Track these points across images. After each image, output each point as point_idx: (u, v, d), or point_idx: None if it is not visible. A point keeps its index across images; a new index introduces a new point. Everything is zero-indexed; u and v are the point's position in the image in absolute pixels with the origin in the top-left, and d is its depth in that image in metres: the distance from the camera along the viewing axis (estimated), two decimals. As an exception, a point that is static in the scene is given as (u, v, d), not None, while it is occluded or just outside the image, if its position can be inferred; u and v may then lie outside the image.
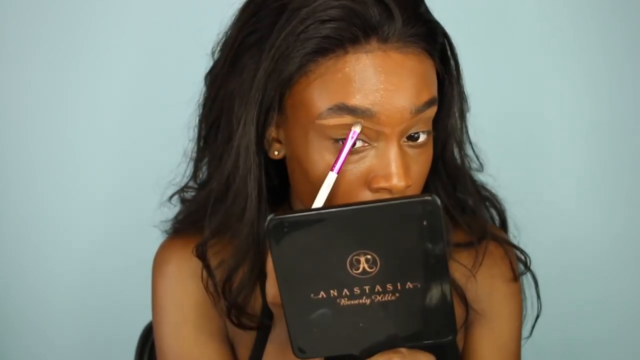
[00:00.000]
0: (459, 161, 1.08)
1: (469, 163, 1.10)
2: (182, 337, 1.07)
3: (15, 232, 1.56)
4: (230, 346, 1.11)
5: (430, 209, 0.76)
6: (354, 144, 0.90)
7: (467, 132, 1.07)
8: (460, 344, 1.13)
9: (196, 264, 1.08)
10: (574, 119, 1.58)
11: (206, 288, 1.06)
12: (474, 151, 1.11)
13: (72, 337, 1.60)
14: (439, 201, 0.75)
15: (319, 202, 0.89)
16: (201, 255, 1.05)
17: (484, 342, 1.11)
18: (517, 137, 1.55)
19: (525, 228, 1.21)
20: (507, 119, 1.53)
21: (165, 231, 1.14)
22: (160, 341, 1.09)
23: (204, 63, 1.05)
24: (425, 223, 0.76)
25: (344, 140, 0.90)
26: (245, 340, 1.10)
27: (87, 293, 1.58)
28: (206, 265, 1.06)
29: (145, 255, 1.15)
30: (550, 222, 1.58)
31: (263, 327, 1.06)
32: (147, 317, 1.25)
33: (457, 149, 1.07)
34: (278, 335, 0.94)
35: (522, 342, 1.15)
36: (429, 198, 0.75)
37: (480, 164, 1.13)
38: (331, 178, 0.89)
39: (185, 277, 1.08)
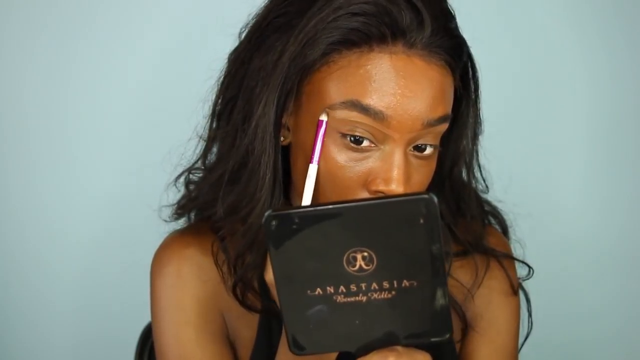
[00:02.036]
0: (465, 182, 1.09)
1: (475, 184, 1.11)
2: (183, 338, 1.07)
3: (15, 231, 1.56)
4: (231, 346, 1.11)
5: (428, 207, 0.76)
6: (358, 139, 0.91)
7: (477, 154, 1.08)
8: (456, 347, 1.13)
9: (197, 264, 1.09)
10: (575, 119, 1.58)
11: (216, 263, 1.06)
12: (481, 174, 1.11)
13: (72, 337, 1.59)
14: (436, 199, 0.75)
15: (306, 196, 0.90)
16: (216, 230, 1.06)
17: (481, 347, 1.11)
18: (516, 138, 1.55)
19: (525, 229, 1.21)
20: (507, 120, 1.53)
21: (166, 218, 1.14)
22: (161, 343, 1.08)
23: (210, 53, 1.07)
24: (422, 221, 0.76)
25: (352, 137, 0.91)
26: (245, 340, 1.10)
27: (87, 293, 1.58)
28: (221, 238, 1.07)
29: (146, 255, 1.15)
30: (550, 223, 1.58)
31: (265, 310, 1.06)
32: (147, 317, 1.25)
33: (465, 171, 1.08)
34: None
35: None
36: (426, 196, 0.76)
37: (486, 186, 1.14)
38: (312, 170, 0.90)
39: (185, 278, 1.08)
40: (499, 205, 1.19)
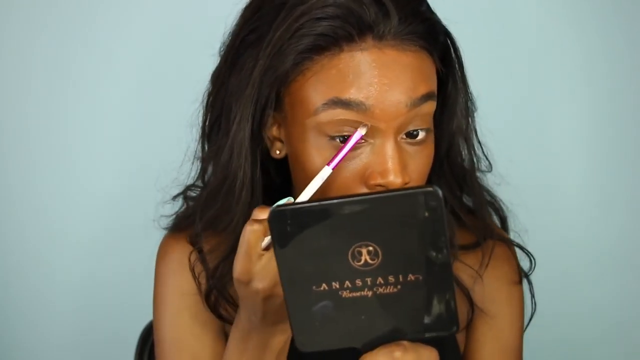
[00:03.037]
0: (465, 162, 1.08)
1: (478, 163, 1.10)
2: (179, 325, 1.08)
3: (15, 231, 1.56)
4: (226, 339, 1.11)
5: (432, 200, 0.75)
6: (347, 138, 0.90)
7: (475, 131, 1.07)
8: (461, 345, 1.13)
9: (197, 256, 1.09)
10: (575, 119, 1.58)
11: (193, 274, 1.07)
12: (482, 151, 1.10)
13: (72, 337, 1.60)
14: (440, 192, 0.75)
15: (308, 192, 0.89)
16: (194, 242, 1.08)
17: (486, 343, 1.11)
18: (516, 138, 1.55)
19: (524, 229, 1.21)
20: (506, 120, 1.54)
21: (165, 228, 1.14)
22: (158, 328, 1.09)
23: (210, 62, 1.05)
24: (426, 215, 0.76)
25: (341, 138, 0.90)
26: None
27: (87, 293, 1.58)
28: (199, 250, 1.08)
29: (146, 256, 1.15)
30: (550, 223, 1.58)
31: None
32: (147, 317, 1.25)
33: (464, 149, 1.07)
34: (241, 321, 0.93)
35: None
36: (431, 189, 0.75)
37: (490, 163, 1.13)
38: (325, 172, 0.89)
39: (186, 267, 1.09)
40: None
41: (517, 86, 1.56)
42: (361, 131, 0.89)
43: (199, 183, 1.11)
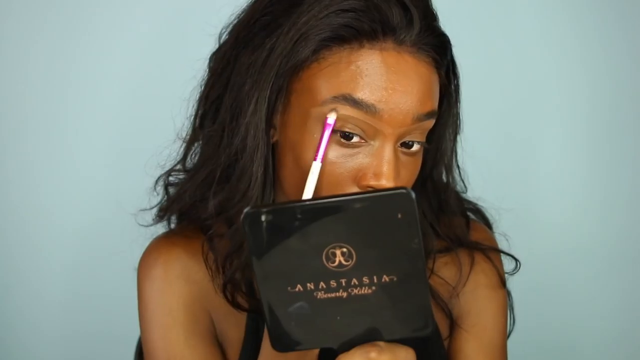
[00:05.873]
0: (444, 181, 1.10)
1: (454, 184, 1.12)
2: (172, 339, 1.06)
3: (14, 231, 1.56)
4: (220, 347, 1.11)
5: (405, 201, 0.76)
6: (348, 135, 0.91)
7: (456, 154, 1.08)
8: (445, 343, 1.13)
9: (183, 265, 1.08)
10: (574, 119, 1.58)
11: (206, 263, 1.06)
12: (460, 174, 1.12)
13: (71, 337, 1.60)
14: (413, 194, 0.75)
15: (307, 192, 0.90)
16: (205, 229, 1.07)
17: (469, 341, 1.11)
18: (515, 138, 1.55)
19: (521, 234, 1.21)
20: (505, 121, 1.53)
21: (152, 221, 1.14)
22: (149, 345, 1.08)
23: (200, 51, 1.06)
24: (400, 216, 0.76)
25: (341, 132, 0.91)
26: (233, 340, 1.10)
27: (87, 293, 1.59)
28: (209, 239, 1.07)
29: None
30: (550, 223, 1.58)
31: (253, 310, 1.06)
32: (146, 318, 1.25)
33: (444, 171, 1.09)
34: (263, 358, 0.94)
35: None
36: (404, 191, 0.75)
37: (465, 186, 1.14)
38: (316, 167, 0.90)
39: (173, 279, 1.08)
40: (499, 209, 1.19)
41: (515, 87, 1.56)
42: (332, 117, 0.90)
43: (180, 167, 1.10)
